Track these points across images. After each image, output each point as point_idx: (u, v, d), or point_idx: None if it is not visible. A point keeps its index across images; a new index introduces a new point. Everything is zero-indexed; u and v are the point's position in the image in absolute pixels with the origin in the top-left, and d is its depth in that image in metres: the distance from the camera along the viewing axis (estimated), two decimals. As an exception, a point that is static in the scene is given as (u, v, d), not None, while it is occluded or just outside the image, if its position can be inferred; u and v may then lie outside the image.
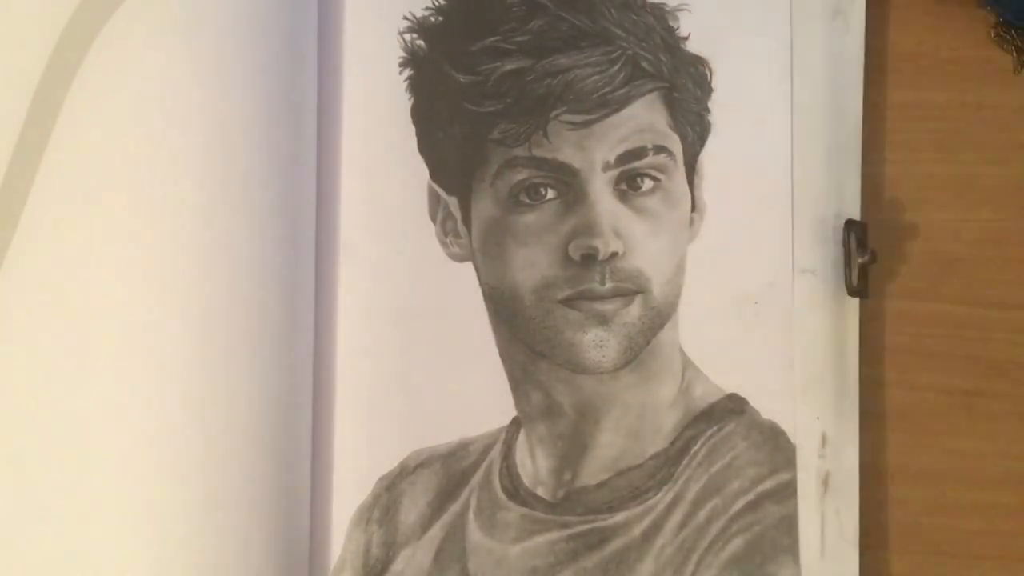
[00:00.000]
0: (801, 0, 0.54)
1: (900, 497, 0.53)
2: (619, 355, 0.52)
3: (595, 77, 0.52)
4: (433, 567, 0.52)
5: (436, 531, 0.52)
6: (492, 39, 0.52)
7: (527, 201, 0.52)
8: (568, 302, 0.51)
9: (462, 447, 0.53)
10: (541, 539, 0.52)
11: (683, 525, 0.51)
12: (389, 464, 0.52)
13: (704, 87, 0.53)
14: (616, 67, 0.52)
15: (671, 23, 0.53)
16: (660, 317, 0.52)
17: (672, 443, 0.52)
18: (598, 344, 0.52)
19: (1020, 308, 0.54)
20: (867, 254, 0.52)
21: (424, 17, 0.53)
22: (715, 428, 0.52)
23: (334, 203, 0.53)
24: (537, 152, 0.51)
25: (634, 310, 0.52)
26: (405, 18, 0.53)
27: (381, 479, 0.52)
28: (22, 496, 0.47)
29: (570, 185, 0.51)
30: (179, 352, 0.47)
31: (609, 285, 0.51)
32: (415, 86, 0.53)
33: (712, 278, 0.53)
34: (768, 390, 0.52)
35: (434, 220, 0.53)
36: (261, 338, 0.49)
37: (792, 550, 0.51)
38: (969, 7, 0.55)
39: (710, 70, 0.54)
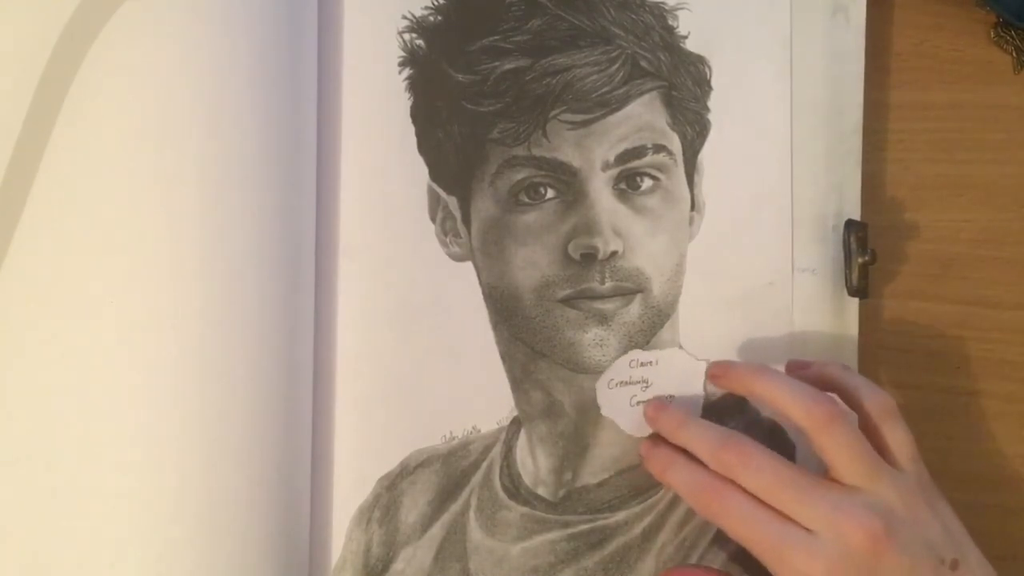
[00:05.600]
0: (801, -2, 0.54)
1: (901, 496, 0.53)
2: (619, 354, 0.52)
3: (594, 76, 0.52)
4: (434, 566, 0.52)
5: (437, 530, 0.52)
6: (491, 38, 0.52)
7: (527, 200, 0.52)
8: (568, 301, 0.51)
9: (462, 447, 0.53)
10: (542, 538, 0.52)
11: (684, 524, 0.51)
12: (389, 464, 0.52)
13: (703, 86, 0.54)
14: (615, 66, 0.52)
15: (670, 22, 0.53)
16: (660, 316, 0.52)
17: (673, 442, 0.52)
18: (598, 343, 0.52)
19: (1020, 308, 0.54)
20: (867, 254, 0.52)
21: (423, 16, 0.53)
22: (715, 427, 0.52)
23: (334, 203, 0.53)
24: (536, 151, 0.51)
25: (634, 309, 0.52)
26: (404, 17, 0.53)
27: (381, 479, 0.52)
28: (22, 496, 0.47)
29: (569, 184, 0.51)
30: (179, 352, 0.47)
31: (609, 284, 0.51)
32: (415, 86, 0.53)
33: (712, 277, 0.53)
34: (768, 389, 0.52)
35: (434, 220, 0.53)
36: (261, 338, 0.49)
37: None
38: (969, 7, 0.55)
39: (709, 68, 0.54)
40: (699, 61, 0.54)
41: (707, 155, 0.54)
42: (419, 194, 0.53)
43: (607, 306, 0.52)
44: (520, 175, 0.52)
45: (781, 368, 0.52)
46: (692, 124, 0.53)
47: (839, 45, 0.54)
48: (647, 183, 0.52)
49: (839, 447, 0.44)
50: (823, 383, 0.48)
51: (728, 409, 0.52)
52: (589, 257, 0.51)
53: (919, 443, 0.53)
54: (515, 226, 0.52)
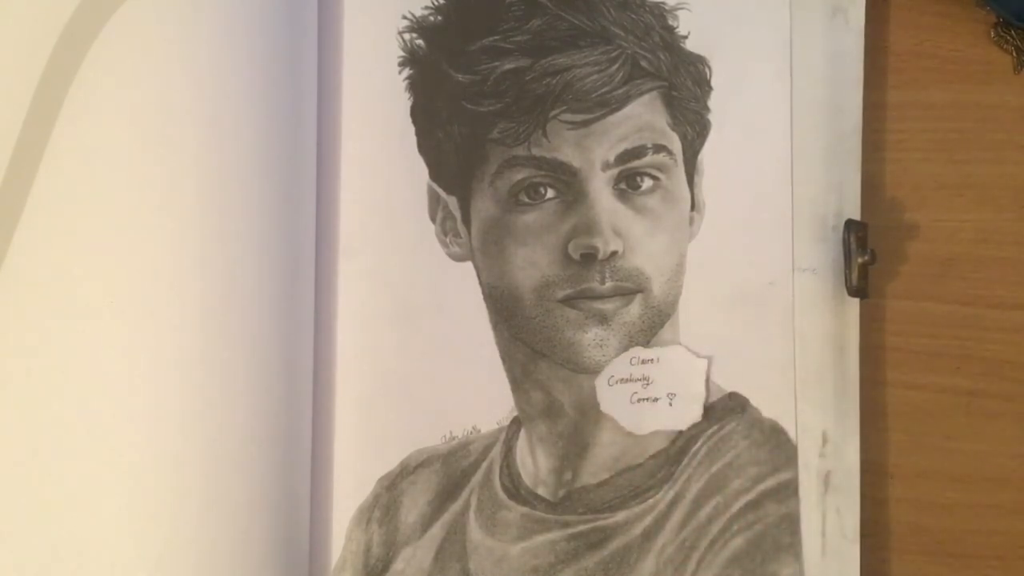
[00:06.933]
0: (801, -2, 0.54)
1: (900, 496, 0.53)
2: (619, 354, 0.52)
3: (594, 76, 0.52)
4: (434, 566, 0.52)
5: (437, 530, 0.52)
6: (491, 38, 0.52)
7: (527, 200, 0.52)
8: (568, 301, 0.51)
9: (462, 447, 0.53)
10: (542, 538, 0.52)
11: (684, 524, 0.51)
12: (389, 464, 0.52)
13: (703, 86, 0.54)
14: (615, 66, 0.52)
15: (670, 22, 0.53)
16: (660, 316, 0.52)
17: (673, 442, 0.52)
18: (598, 343, 0.52)
19: (1020, 308, 0.54)
20: (867, 254, 0.52)
21: (423, 16, 0.53)
22: (716, 427, 0.52)
23: (334, 203, 0.53)
24: (536, 151, 0.51)
25: (634, 309, 0.52)
26: (404, 17, 0.53)
27: (381, 479, 0.52)
28: (22, 496, 0.47)
29: (569, 184, 0.51)
30: (179, 352, 0.47)
31: (609, 284, 0.51)
32: (414, 86, 0.53)
33: (712, 277, 0.53)
34: (769, 389, 0.52)
35: (434, 220, 0.53)
36: (261, 338, 0.49)
37: (793, 549, 0.51)
38: (969, 7, 0.55)
39: (709, 68, 0.54)
40: (699, 61, 0.54)
41: (707, 155, 0.53)
42: (419, 194, 0.53)
43: (607, 306, 0.52)
44: (520, 175, 0.52)
45: (781, 369, 0.52)
46: (692, 124, 0.53)
47: (838, 46, 0.54)
48: (647, 183, 0.52)
49: None
50: None
51: (730, 410, 0.52)
52: (589, 257, 0.51)
53: (919, 443, 0.53)
54: (515, 226, 0.52)
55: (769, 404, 0.52)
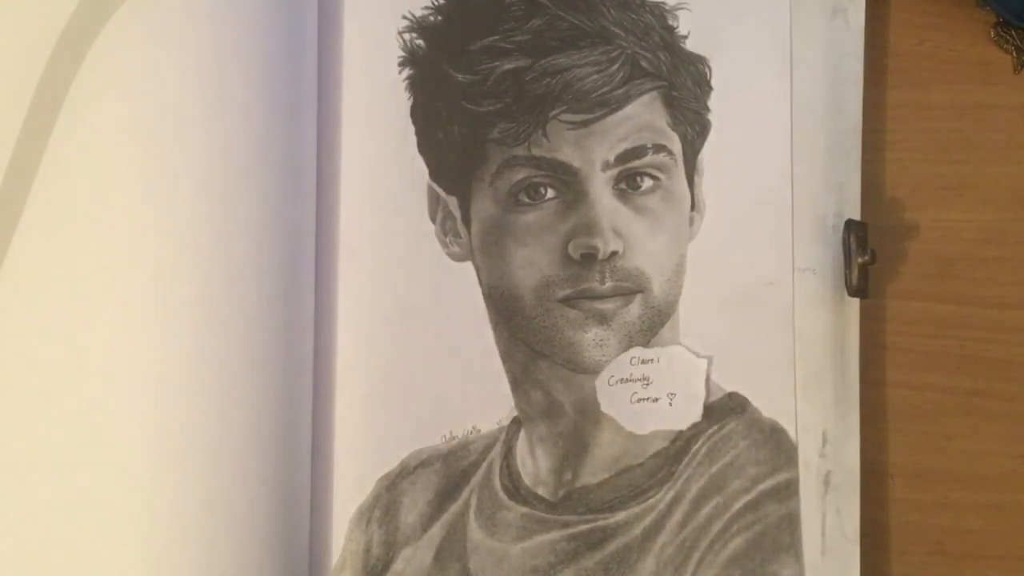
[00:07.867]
0: (801, -2, 0.54)
1: (900, 496, 0.53)
2: (619, 354, 0.52)
3: (594, 76, 0.52)
4: (434, 567, 0.52)
5: (436, 531, 0.52)
6: (491, 38, 0.52)
7: (527, 200, 0.52)
8: (568, 301, 0.51)
9: (462, 447, 0.53)
10: (542, 538, 0.52)
11: (684, 524, 0.51)
12: (389, 464, 0.52)
13: (703, 86, 0.54)
14: (615, 66, 0.52)
15: (670, 22, 0.53)
16: (660, 316, 0.52)
17: (673, 442, 0.52)
18: (598, 343, 0.52)
19: (1020, 308, 0.54)
20: (867, 254, 0.52)
21: (423, 16, 0.53)
22: (716, 427, 0.52)
23: (334, 203, 0.53)
24: (536, 151, 0.51)
25: (634, 309, 0.52)
26: (404, 17, 0.53)
27: (381, 479, 0.52)
28: (22, 496, 0.47)
29: (569, 184, 0.51)
30: (179, 352, 0.47)
31: (609, 284, 0.51)
32: (414, 85, 0.53)
33: (712, 277, 0.53)
34: (769, 389, 0.52)
35: (434, 220, 0.53)
36: (261, 338, 0.49)
37: (793, 549, 0.51)
38: (969, 7, 0.55)
39: (709, 68, 0.54)
40: (699, 61, 0.54)
41: (707, 155, 0.53)
42: (419, 194, 0.53)
43: (607, 306, 0.52)
44: (520, 175, 0.52)
45: (781, 369, 0.52)
46: (692, 124, 0.53)
47: (839, 46, 0.54)
48: (647, 183, 0.52)
49: None
50: None
51: (730, 410, 0.52)
52: (589, 257, 0.51)
53: (919, 443, 0.53)
54: (515, 226, 0.52)
55: (769, 404, 0.52)
